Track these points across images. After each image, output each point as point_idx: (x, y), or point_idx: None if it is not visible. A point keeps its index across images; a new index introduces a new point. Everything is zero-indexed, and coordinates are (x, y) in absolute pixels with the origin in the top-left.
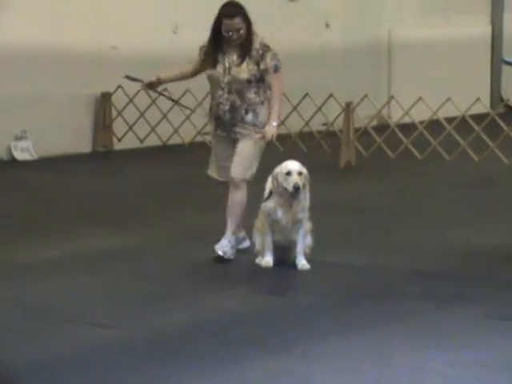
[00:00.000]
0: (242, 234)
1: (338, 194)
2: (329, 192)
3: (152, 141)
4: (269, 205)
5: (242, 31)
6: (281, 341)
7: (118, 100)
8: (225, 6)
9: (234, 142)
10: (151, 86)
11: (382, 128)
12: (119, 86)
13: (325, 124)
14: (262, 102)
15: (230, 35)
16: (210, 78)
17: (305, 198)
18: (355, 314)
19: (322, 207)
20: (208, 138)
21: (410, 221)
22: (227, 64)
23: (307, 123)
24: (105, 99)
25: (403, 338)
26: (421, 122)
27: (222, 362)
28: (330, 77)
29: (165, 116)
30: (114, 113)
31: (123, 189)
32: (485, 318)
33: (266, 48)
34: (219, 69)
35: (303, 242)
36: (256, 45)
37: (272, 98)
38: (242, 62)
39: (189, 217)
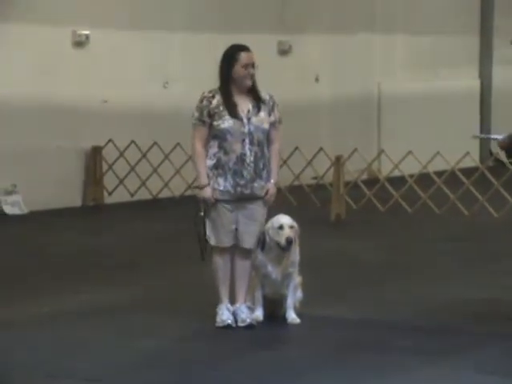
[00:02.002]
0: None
1: (328, 248)
2: (319, 245)
3: (142, 194)
4: (259, 259)
5: (254, 69)
6: None
7: (109, 154)
8: (234, 44)
9: (243, 200)
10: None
11: (372, 181)
12: (110, 140)
13: (315, 177)
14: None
15: (248, 71)
16: (228, 132)
17: (294, 253)
18: (346, 367)
19: (313, 260)
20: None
21: (400, 275)
22: (244, 113)
23: (297, 177)
24: (95, 153)
25: None
26: (411, 176)
27: None
28: (320, 130)
29: (155, 170)
30: (105, 166)
31: (113, 243)
32: (474, 373)
33: (273, 99)
34: (234, 119)
35: (293, 296)
36: (265, 94)
37: (273, 153)
38: (258, 111)
39: (179, 272)
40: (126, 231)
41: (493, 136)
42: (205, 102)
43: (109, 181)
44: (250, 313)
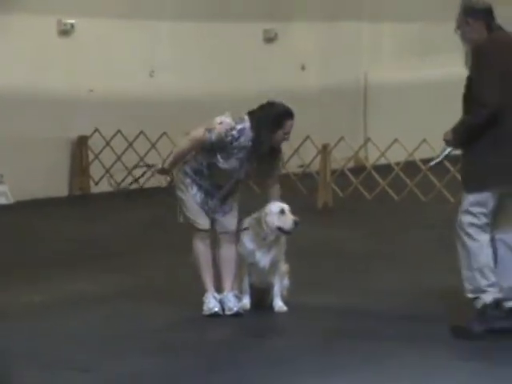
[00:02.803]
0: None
1: (315, 236)
2: (306, 234)
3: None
4: (247, 247)
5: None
6: (260, 382)
7: (95, 143)
8: (283, 107)
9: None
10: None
11: (358, 169)
12: (96, 129)
13: (301, 166)
14: None
15: (286, 138)
16: (222, 169)
17: (283, 241)
18: (332, 355)
19: (300, 249)
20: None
21: (386, 263)
22: (245, 160)
23: (284, 165)
24: (81, 142)
25: (379, 379)
26: (397, 164)
27: None
28: (307, 119)
29: (142, 159)
30: (91, 156)
31: (100, 232)
32: (456, 360)
33: (282, 157)
34: (235, 164)
35: (280, 284)
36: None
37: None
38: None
39: (167, 259)
40: (113, 220)
41: (446, 152)
42: (228, 140)
43: (95, 170)
44: (237, 301)
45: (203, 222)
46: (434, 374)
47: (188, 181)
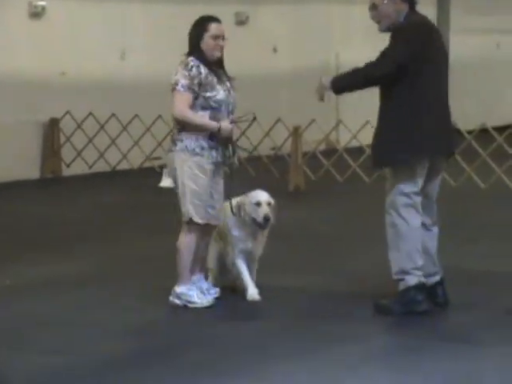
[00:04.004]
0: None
1: (287, 219)
2: (278, 216)
3: (101, 166)
4: (235, 235)
5: (224, 42)
6: (233, 365)
7: (66, 126)
8: (205, 16)
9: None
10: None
11: (330, 152)
12: (67, 112)
13: (273, 148)
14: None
15: (217, 43)
16: (221, 103)
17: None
18: (307, 337)
19: (272, 231)
20: (157, 164)
21: (358, 244)
22: (226, 85)
23: (255, 148)
24: (53, 125)
25: (354, 361)
26: (368, 146)
27: None
28: (278, 101)
29: (113, 141)
30: (63, 138)
31: (72, 215)
32: (438, 341)
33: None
34: (223, 90)
35: (254, 273)
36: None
37: None
38: (231, 83)
39: (139, 242)
40: (85, 203)
41: (244, 117)
42: (194, 71)
43: (67, 153)
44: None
45: (209, 215)
46: (410, 356)
47: (206, 154)
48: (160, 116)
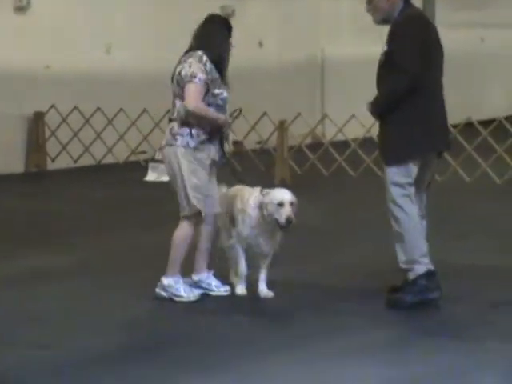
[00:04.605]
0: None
1: None
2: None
3: (86, 160)
4: (248, 232)
5: None
6: (216, 360)
7: (51, 120)
8: (225, 17)
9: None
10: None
11: (315, 146)
12: (52, 106)
13: (259, 142)
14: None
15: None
16: (227, 100)
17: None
18: (291, 331)
19: None
20: (142, 158)
21: (345, 237)
22: (227, 84)
23: (241, 142)
24: (38, 119)
25: (339, 354)
26: (354, 140)
27: (156, 382)
28: (264, 95)
29: (98, 135)
30: (47, 132)
31: (57, 209)
32: (418, 335)
33: None
34: (226, 89)
35: (267, 269)
36: None
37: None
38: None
39: (126, 235)
40: (70, 197)
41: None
42: (208, 66)
43: (52, 147)
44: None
45: (213, 206)
46: (396, 349)
47: (204, 149)
48: (145, 110)
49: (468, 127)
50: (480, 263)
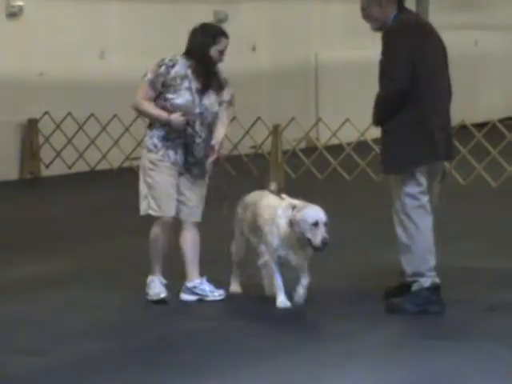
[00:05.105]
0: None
1: None
2: None
3: (80, 167)
4: (276, 244)
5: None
6: (211, 364)
7: (45, 126)
8: (215, 26)
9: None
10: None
11: (310, 150)
12: (46, 113)
13: (253, 147)
14: None
15: (221, 58)
16: (179, 107)
17: None
18: (286, 335)
19: None
20: (136, 164)
21: (339, 242)
22: (196, 92)
23: (235, 146)
24: (31, 126)
25: (334, 359)
26: (348, 144)
27: None
28: (258, 100)
29: (92, 142)
30: (41, 139)
31: (51, 215)
32: (415, 338)
33: (226, 81)
34: (190, 97)
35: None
36: (222, 74)
37: (219, 125)
38: (211, 93)
39: (119, 241)
40: (65, 203)
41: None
42: (163, 69)
43: (46, 153)
44: (213, 285)
45: (169, 210)
46: (392, 353)
47: (161, 152)
48: (139, 116)
49: (462, 130)
50: (476, 266)
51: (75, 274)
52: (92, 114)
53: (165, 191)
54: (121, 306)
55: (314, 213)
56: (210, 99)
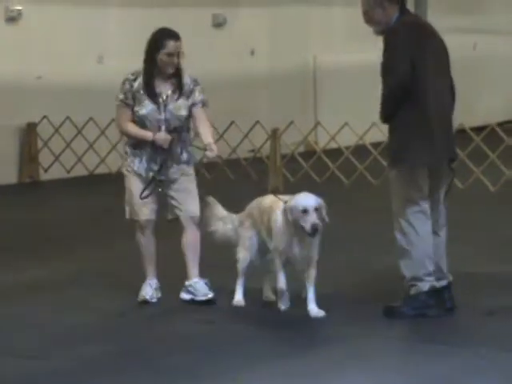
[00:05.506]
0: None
1: None
2: None
3: (79, 171)
4: (283, 239)
5: (179, 58)
6: (211, 368)
7: (44, 130)
8: (164, 29)
9: (162, 182)
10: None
11: (308, 154)
12: (44, 117)
13: (252, 151)
14: (190, 142)
15: (171, 60)
16: (146, 118)
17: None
18: (285, 339)
19: None
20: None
21: (335, 245)
22: (161, 100)
23: (234, 150)
24: (30, 130)
25: (338, 363)
26: (347, 148)
27: None
28: (257, 103)
29: (91, 146)
30: (40, 143)
31: (50, 219)
32: (414, 342)
33: (195, 82)
34: (153, 105)
35: (314, 286)
36: (187, 79)
37: (204, 126)
38: (178, 97)
39: (118, 245)
40: (63, 207)
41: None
42: (127, 85)
43: (44, 157)
44: (208, 288)
45: (142, 214)
46: (390, 357)
47: (129, 159)
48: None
49: (460, 134)
50: (475, 270)
51: (74, 278)
52: (91, 118)
53: (135, 197)
54: (120, 309)
55: (304, 199)
56: (176, 103)
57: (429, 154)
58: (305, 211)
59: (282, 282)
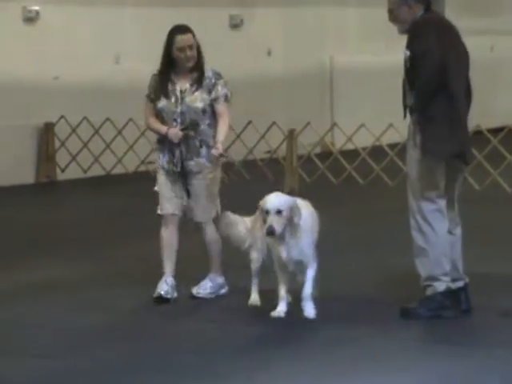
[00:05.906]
0: (221, 279)
1: None
2: None
3: (96, 171)
4: (263, 241)
5: (193, 51)
6: (225, 367)
7: (61, 130)
8: (175, 26)
9: (184, 176)
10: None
11: (325, 155)
12: (62, 117)
13: (268, 151)
14: (214, 136)
15: (184, 54)
16: (163, 110)
17: (305, 236)
18: (300, 339)
19: None
20: (152, 168)
21: (352, 246)
22: (179, 93)
23: (251, 151)
24: (47, 130)
25: (348, 364)
26: (363, 149)
27: None
28: (273, 104)
29: (108, 146)
30: (57, 143)
31: (67, 219)
32: (427, 343)
33: (217, 76)
34: (171, 99)
35: (311, 285)
36: (208, 72)
37: (221, 123)
38: (195, 90)
39: (134, 245)
40: (80, 207)
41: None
42: (152, 81)
43: (61, 157)
44: (211, 285)
45: (166, 209)
46: (402, 357)
47: (157, 154)
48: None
49: (477, 135)
50: (491, 271)
51: (90, 277)
52: (107, 119)
53: (161, 192)
54: (134, 310)
55: (268, 201)
56: (193, 96)
57: (458, 148)
58: (267, 212)
59: (281, 286)
